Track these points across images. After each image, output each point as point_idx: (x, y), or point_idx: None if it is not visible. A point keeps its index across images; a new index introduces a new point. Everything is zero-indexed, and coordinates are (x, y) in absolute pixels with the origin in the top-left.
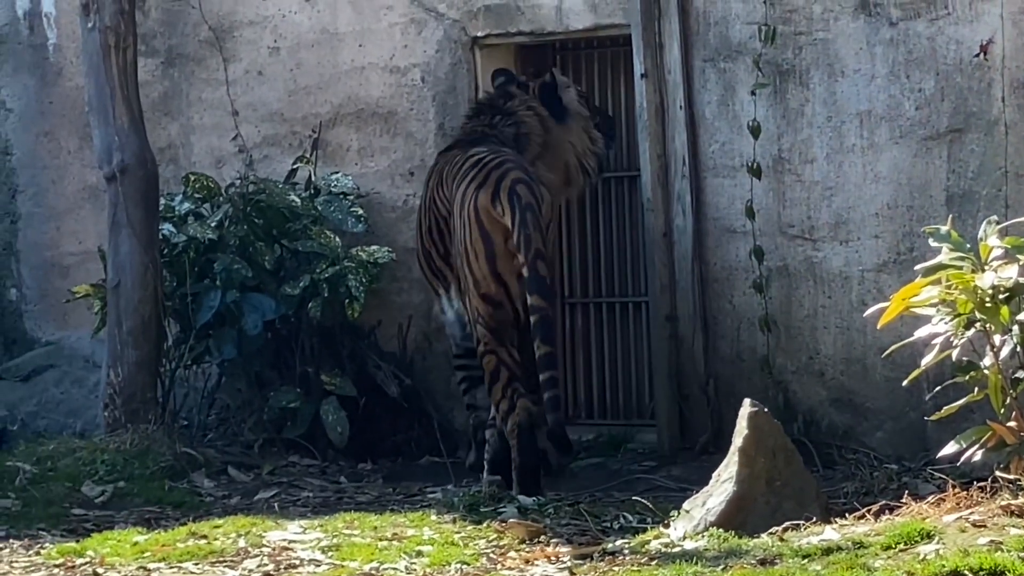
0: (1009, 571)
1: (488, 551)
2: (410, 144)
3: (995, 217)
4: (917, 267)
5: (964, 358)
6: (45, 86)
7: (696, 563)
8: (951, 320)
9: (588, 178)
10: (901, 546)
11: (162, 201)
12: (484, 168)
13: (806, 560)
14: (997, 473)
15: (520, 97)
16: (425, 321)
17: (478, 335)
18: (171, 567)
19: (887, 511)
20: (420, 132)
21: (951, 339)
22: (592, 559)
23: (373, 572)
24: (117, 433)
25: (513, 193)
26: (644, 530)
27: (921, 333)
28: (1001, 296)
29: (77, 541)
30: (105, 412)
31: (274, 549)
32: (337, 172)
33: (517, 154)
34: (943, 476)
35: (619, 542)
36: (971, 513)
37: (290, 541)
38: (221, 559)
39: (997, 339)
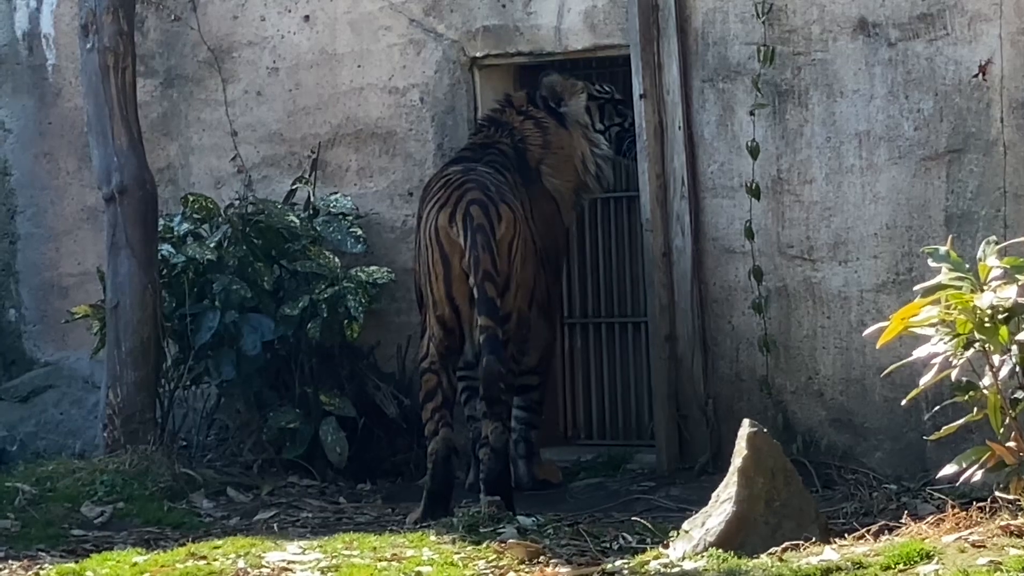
0: None
1: (487, 572)
2: (409, 165)
3: (994, 237)
4: (916, 287)
5: (963, 378)
6: (44, 107)
7: None
8: (950, 340)
9: (599, 183)
10: (900, 566)
11: (161, 222)
12: (447, 188)
13: None
14: (996, 493)
15: (515, 105)
16: None
17: (427, 350)
18: None
19: (886, 531)
20: (419, 152)
21: (950, 359)
22: None
23: None
24: (116, 454)
25: (467, 214)
26: (643, 550)
27: (920, 353)
28: (1000, 316)
29: (76, 562)
30: (104, 432)
31: (273, 570)
32: (336, 192)
33: (495, 171)
34: (942, 496)
35: (618, 562)
36: (970, 533)
37: (289, 562)
38: None
39: (996, 359)
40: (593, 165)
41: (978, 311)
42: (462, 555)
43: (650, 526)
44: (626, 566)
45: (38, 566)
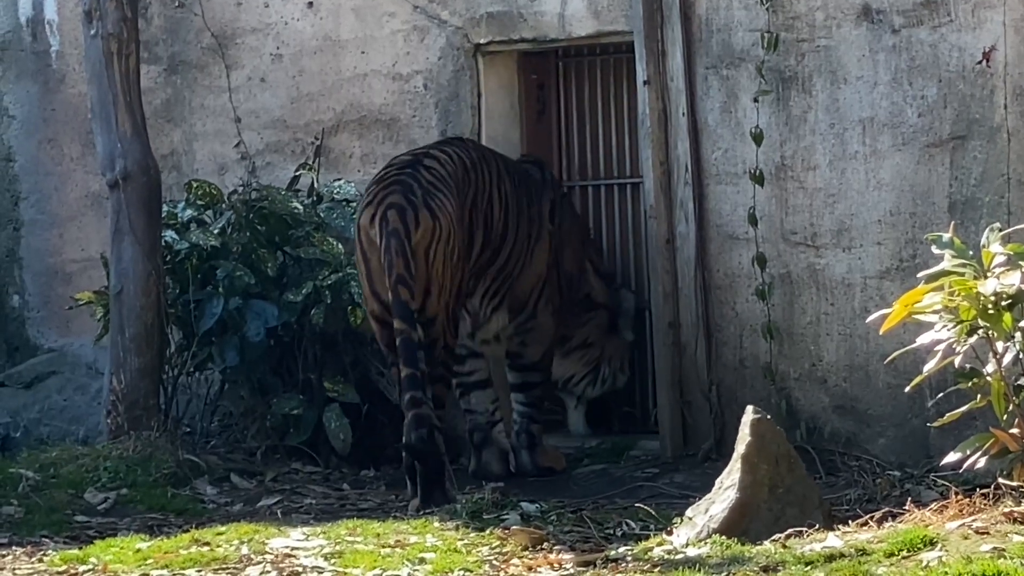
0: None
1: (491, 558)
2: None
3: (998, 224)
4: (920, 274)
5: (967, 365)
6: (48, 93)
7: (699, 570)
8: (954, 327)
9: None
10: (904, 553)
11: (165, 208)
12: (378, 184)
13: (809, 567)
14: (1000, 480)
15: None
16: None
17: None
18: (174, 574)
19: (890, 518)
20: (423, 139)
21: (953, 346)
22: (595, 566)
23: None
24: (120, 440)
25: (384, 219)
26: (647, 537)
27: (923, 340)
28: (1004, 303)
29: (80, 548)
30: (108, 419)
31: (277, 556)
32: (340, 179)
33: (451, 161)
34: (946, 483)
35: (622, 549)
36: (974, 520)
37: (293, 548)
38: (224, 566)
39: (1000, 346)
40: None
41: (982, 298)
42: (465, 541)
43: (654, 513)
44: (630, 552)
45: (42, 552)
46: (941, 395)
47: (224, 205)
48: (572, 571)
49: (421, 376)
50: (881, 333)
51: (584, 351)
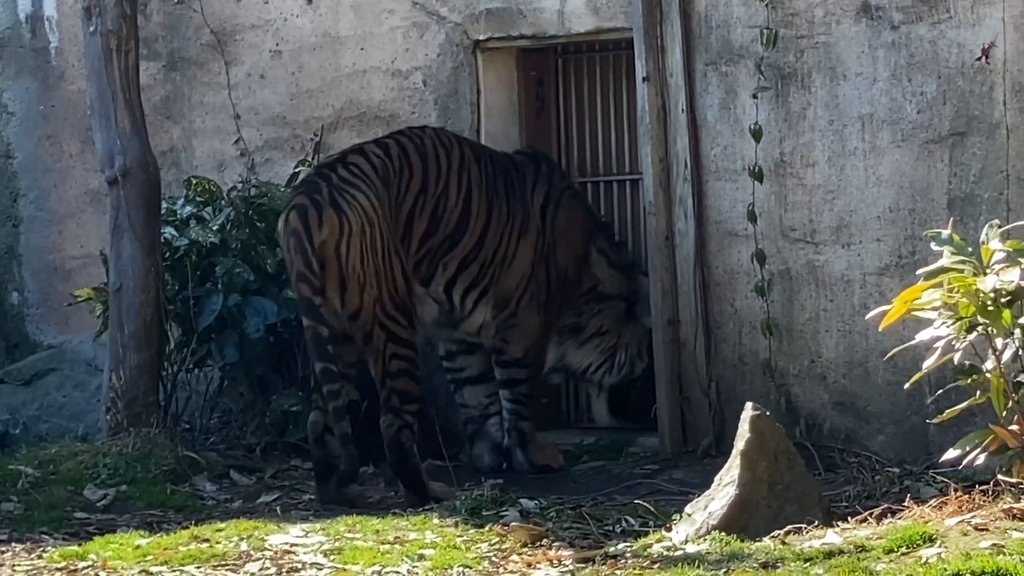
0: (1011, 575)
1: (490, 555)
2: None
3: (997, 220)
4: (919, 271)
5: (966, 361)
6: (47, 90)
7: (698, 567)
8: (953, 323)
9: None
10: (903, 550)
11: (164, 205)
12: (294, 189)
13: (808, 564)
14: (999, 477)
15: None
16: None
17: None
18: (173, 571)
19: (889, 515)
20: None
21: (953, 343)
22: (594, 563)
23: None
24: (119, 437)
25: (287, 220)
26: (646, 534)
27: (923, 336)
28: (1003, 299)
29: (79, 545)
30: (107, 416)
31: (276, 553)
32: None
33: (380, 160)
34: (945, 480)
35: (621, 546)
36: (973, 517)
37: (292, 545)
38: (223, 563)
39: (999, 342)
40: None
41: (981, 294)
42: (465, 538)
43: (653, 509)
44: (629, 549)
45: (41, 549)
46: (940, 392)
47: (223, 202)
48: (571, 568)
49: (336, 369)
50: (880, 330)
51: (600, 339)
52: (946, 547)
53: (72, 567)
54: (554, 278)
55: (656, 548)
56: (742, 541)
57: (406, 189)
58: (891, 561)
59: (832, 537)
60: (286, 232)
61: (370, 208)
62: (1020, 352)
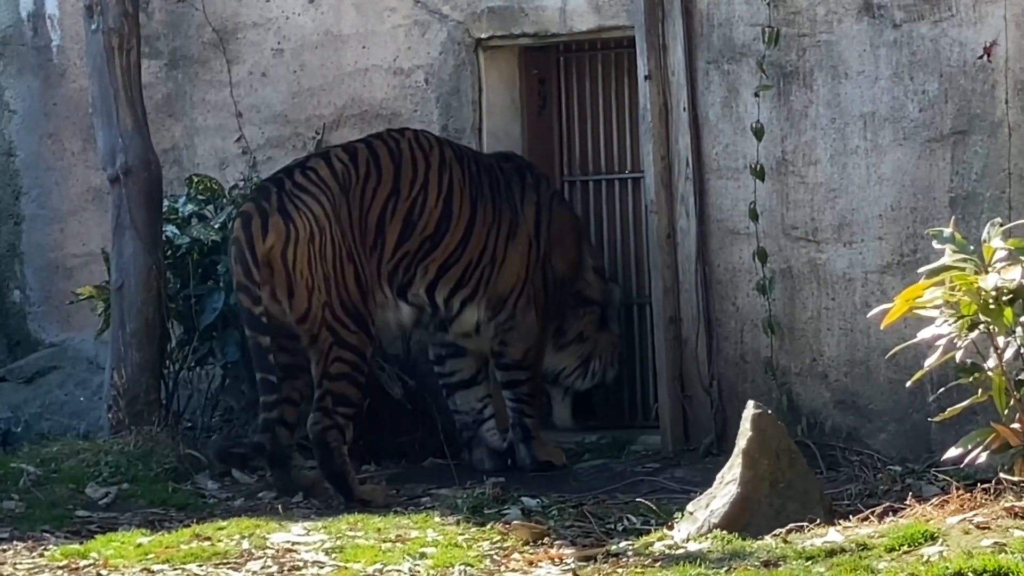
0: (1013, 573)
1: (492, 553)
2: None
3: (999, 219)
4: (921, 269)
5: (968, 360)
6: (49, 88)
7: (700, 565)
8: (955, 322)
9: None
10: (905, 548)
11: (166, 203)
12: (252, 190)
13: (810, 562)
14: (1001, 475)
15: None
16: None
17: None
18: (175, 569)
19: (891, 513)
20: None
21: (955, 341)
22: (596, 561)
23: (377, 574)
24: (121, 435)
25: (232, 228)
26: (648, 532)
27: (924, 335)
28: (1005, 298)
29: (81, 543)
30: (109, 414)
31: (278, 551)
32: None
33: (318, 170)
34: (947, 478)
35: (623, 544)
36: (975, 515)
37: (294, 543)
38: (225, 561)
39: (1001, 341)
40: None
41: (982, 292)
42: (466, 536)
43: (655, 507)
44: (631, 547)
45: (43, 547)
46: (942, 390)
47: (225, 200)
48: (573, 566)
49: (276, 380)
50: (882, 328)
51: (578, 345)
52: (948, 545)
53: (73, 565)
54: (551, 283)
55: (658, 546)
56: (744, 539)
57: (373, 195)
58: (893, 559)
59: (834, 535)
60: (231, 240)
61: (321, 215)
62: (1022, 350)
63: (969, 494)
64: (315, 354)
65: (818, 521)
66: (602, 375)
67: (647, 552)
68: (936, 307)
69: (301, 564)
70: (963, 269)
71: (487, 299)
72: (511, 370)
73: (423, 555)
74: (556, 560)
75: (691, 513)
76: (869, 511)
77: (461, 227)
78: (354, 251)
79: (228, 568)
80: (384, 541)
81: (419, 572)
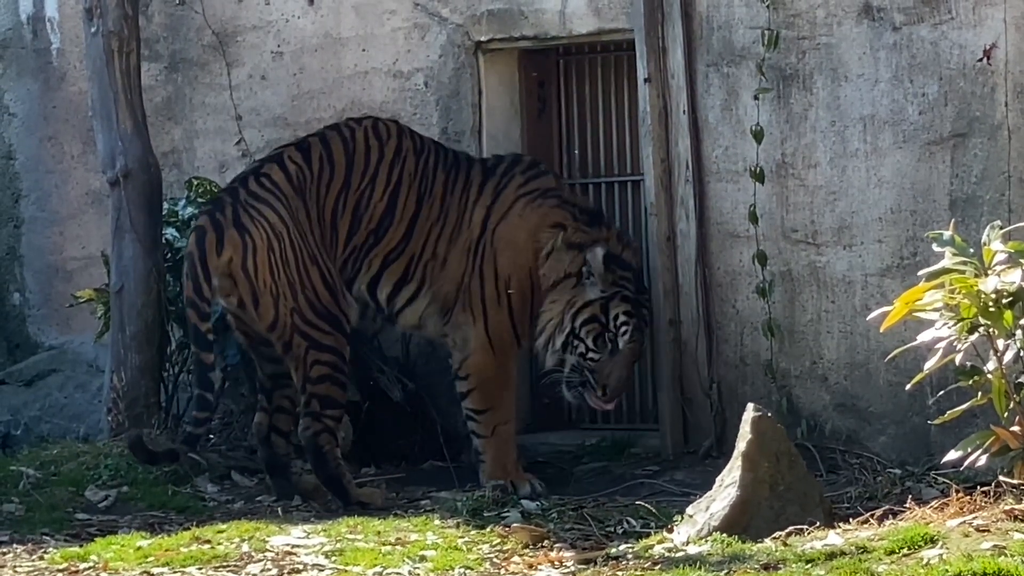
0: None
1: (491, 556)
2: None
3: (998, 222)
4: (921, 272)
5: (967, 363)
6: (48, 91)
7: (700, 568)
8: (954, 324)
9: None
10: (905, 551)
11: (165, 205)
12: (207, 202)
13: (809, 565)
14: (1001, 478)
15: None
16: None
17: None
18: (175, 572)
19: (891, 516)
20: None
21: (954, 343)
22: (596, 564)
23: None
24: (121, 437)
25: (189, 241)
26: (648, 535)
27: (924, 337)
28: (1004, 300)
29: (81, 546)
30: (108, 416)
31: (277, 554)
32: None
33: (272, 175)
34: (947, 481)
35: (623, 547)
36: (975, 518)
37: (293, 546)
38: (225, 564)
39: (1000, 343)
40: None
41: (982, 295)
42: (466, 539)
43: (654, 510)
44: (630, 550)
45: (42, 550)
46: (942, 393)
47: None
48: (573, 569)
49: (211, 399)
50: (882, 331)
51: (552, 330)
52: (947, 548)
53: (73, 568)
54: (490, 290)
55: (657, 549)
56: (743, 542)
57: (327, 190)
58: (892, 562)
59: (833, 538)
60: (185, 254)
61: (277, 221)
62: (1022, 353)
63: (969, 497)
64: (292, 361)
65: (818, 524)
66: (604, 340)
67: (647, 555)
68: (936, 310)
69: (301, 567)
70: (963, 272)
71: (431, 297)
72: (456, 380)
73: (423, 558)
74: (556, 563)
75: (691, 516)
76: (869, 514)
77: (406, 220)
78: (317, 252)
79: (228, 571)
80: (384, 544)
81: (419, 575)
